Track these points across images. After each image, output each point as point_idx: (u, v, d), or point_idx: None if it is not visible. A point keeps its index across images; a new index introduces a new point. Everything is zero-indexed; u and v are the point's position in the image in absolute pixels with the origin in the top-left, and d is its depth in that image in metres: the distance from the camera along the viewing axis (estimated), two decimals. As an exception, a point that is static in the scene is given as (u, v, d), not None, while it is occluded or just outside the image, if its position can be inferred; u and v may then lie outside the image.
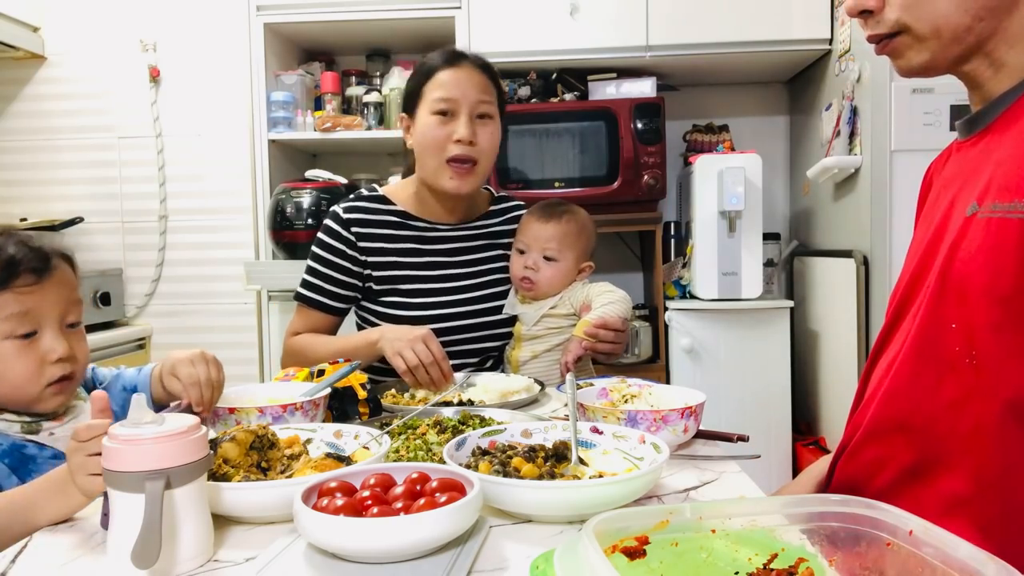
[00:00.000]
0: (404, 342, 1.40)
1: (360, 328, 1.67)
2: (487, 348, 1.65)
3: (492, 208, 1.73)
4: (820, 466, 1.12)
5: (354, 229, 1.60)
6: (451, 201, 1.63)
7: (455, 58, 1.56)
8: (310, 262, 1.63)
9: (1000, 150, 0.86)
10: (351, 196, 1.68)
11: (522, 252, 1.62)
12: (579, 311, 1.59)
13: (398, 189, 1.69)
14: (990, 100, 0.91)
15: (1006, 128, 0.87)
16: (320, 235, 1.63)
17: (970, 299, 0.84)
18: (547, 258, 1.60)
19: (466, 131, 1.52)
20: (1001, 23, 0.87)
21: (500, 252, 1.69)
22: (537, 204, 1.68)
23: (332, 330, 1.66)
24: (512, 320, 1.65)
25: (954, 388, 0.86)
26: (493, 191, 1.80)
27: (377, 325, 1.60)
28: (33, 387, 1.05)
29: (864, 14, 0.92)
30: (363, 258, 1.60)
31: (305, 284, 1.63)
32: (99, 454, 0.77)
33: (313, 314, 1.63)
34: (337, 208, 1.63)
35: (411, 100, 1.60)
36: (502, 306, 1.65)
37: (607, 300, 1.55)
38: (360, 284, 1.62)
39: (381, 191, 1.68)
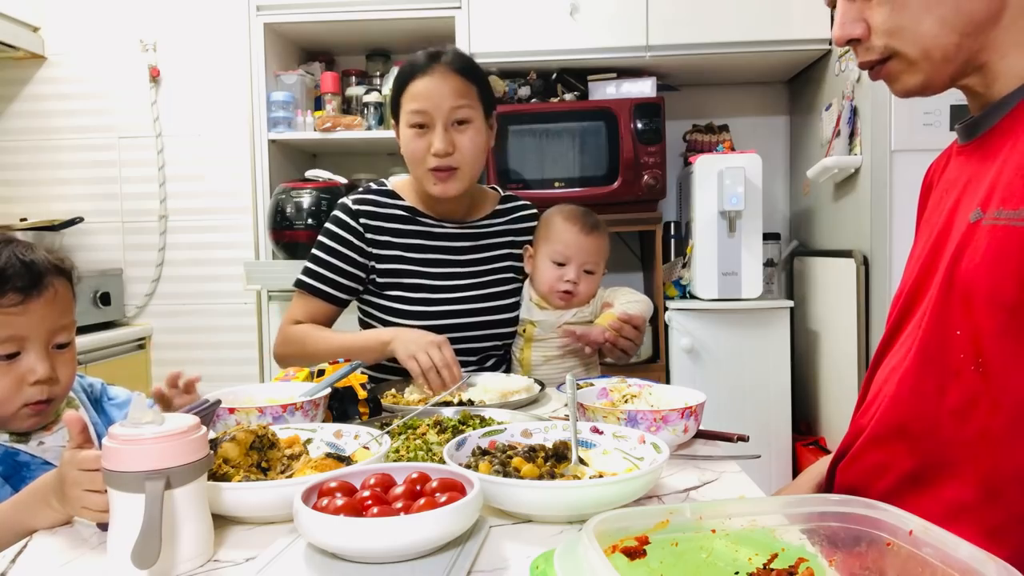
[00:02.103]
0: (418, 346, 1.40)
1: (362, 322, 1.68)
2: (488, 347, 1.65)
3: (499, 207, 1.73)
4: (819, 467, 1.12)
5: (363, 220, 1.60)
6: (447, 202, 1.63)
7: (428, 63, 1.52)
8: (315, 251, 1.62)
9: (1002, 156, 0.86)
10: (360, 188, 1.68)
11: (561, 264, 1.59)
12: (598, 313, 1.59)
13: (406, 185, 1.69)
14: (988, 105, 0.91)
15: (1007, 133, 0.87)
16: (328, 225, 1.62)
17: (975, 306, 0.83)
18: (587, 271, 1.59)
19: (441, 144, 1.51)
20: (988, 36, 0.87)
21: (506, 251, 1.68)
22: (567, 212, 1.63)
23: (331, 321, 1.65)
24: (514, 320, 1.65)
25: (959, 395, 0.86)
26: (500, 190, 1.79)
27: (380, 319, 1.61)
28: (7, 407, 1.02)
29: (852, 42, 0.93)
30: (369, 249, 1.60)
31: (308, 272, 1.62)
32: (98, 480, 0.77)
33: (314, 303, 1.61)
34: (346, 199, 1.64)
35: (394, 107, 1.60)
36: (505, 305, 1.64)
37: (631, 299, 1.57)
38: (364, 276, 1.61)
39: (390, 186, 1.68)
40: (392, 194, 1.66)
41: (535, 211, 1.75)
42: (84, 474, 0.79)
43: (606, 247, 1.63)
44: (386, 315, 1.60)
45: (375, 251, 1.60)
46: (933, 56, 0.88)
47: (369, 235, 1.60)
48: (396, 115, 1.60)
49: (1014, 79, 0.87)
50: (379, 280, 1.61)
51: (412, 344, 1.41)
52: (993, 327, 0.82)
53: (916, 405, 0.90)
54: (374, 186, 1.68)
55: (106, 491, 0.76)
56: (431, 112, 1.51)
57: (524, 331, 1.64)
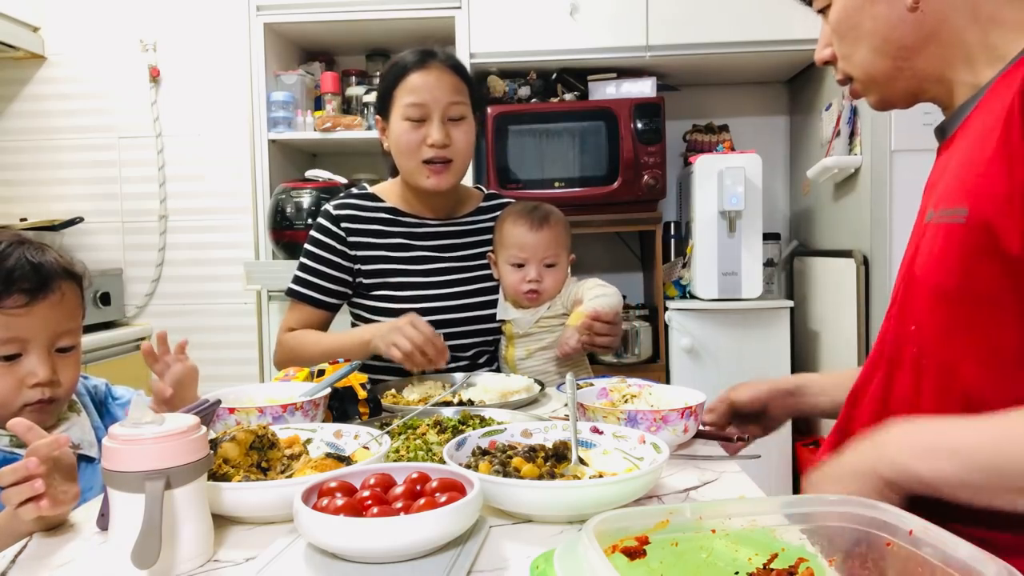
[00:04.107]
0: (394, 332, 1.43)
1: (354, 324, 1.69)
2: (478, 343, 1.65)
3: (483, 205, 1.74)
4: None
5: (344, 224, 1.62)
6: (434, 198, 1.64)
7: (425, 59, 1.56)
8: (302, 258, 1.65)
9: (954, 158, 0.90)
10: (341, 194, 1.71)
11: (520, 266, 1.60)
12: (570, 308, 1.59)
13: (387, 187, 1.71)
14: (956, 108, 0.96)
15: (961, 137, 0.91)
16: (312, 232, 1.65)
17: (925, 302, 0.88)
18: (548, 265, 1.59)
19: (439, 135, 1.53)
20: (932, 54, 0.91)
21: (490, 249, 1.69)
22: (515, 212, 1.63)
23: (325, 325, 1.67)
24: None
25: (908, 388, 0.89)
26: (484, 189, 1.81)
27: (369, 319, 1.62)
28: (6, 408, 1.02)
29: (829, 63, 1.02)
30: (353, 252, 1.62)
31: (297, 280, 1.65)
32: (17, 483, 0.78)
33: (305, 309, 1.64)
34: (328, 206, 1.66)
35: (384, 103, 1.61)
36: (491, 301, 1.65)
37: (598, 294, 1.56)
38: (351, 279, 1.63)
39: (371, 189, 1.70)
40: (373, 197, 1.68)
41: None
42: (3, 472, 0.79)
43: (563, 236, 1.62)
44: (375, 315, 1.61)
45: (358, 253, 1.62)
46: (877, 79, 0.96)
47: (351, 238, 1.61)
48: (385, 111, 1.60)
49: (967, 89, 0.92)
50: (365, 282, 1.62)
51: (388, 334, 1.43)
52: (938, 322, 0.86)
53: (867, 399, 0.94)
54: (355, 191, 1.70)
55: (31, 479, 0.78)
56: (429, 105, 1.54)
57: (504, 330, 1.65)
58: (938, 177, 0.95)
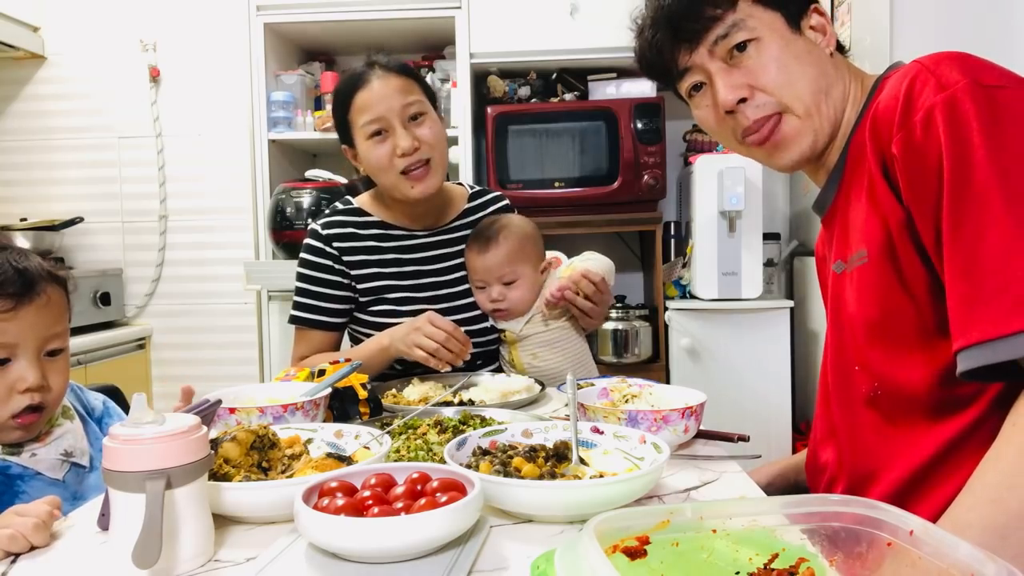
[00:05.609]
0: (414, 332, 1.43)
1: (353, 339, 1.67)
2: (478, 354, 1.64)
3: (469, 206, 1.71)
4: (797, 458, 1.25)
5: (335, 244, 1.60)
6: (419, 207, 1.62)
7: (364, 74, 1.53)
8: (299, 283, 1.61)
9: (841, 219, 1.02)
10: (327, 211, 1.67)
11: (482, 287, 1.60)
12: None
13: (372, 200, 1.68)
14: (827, 178, 1.05)
15: (841, 203, 1.02)
16: (303, 255, 1.62)
17: (863, 340, 0.97)
18: (507, 283, 1.58)
19: (406, 142, 1.49)
20: (835, 99, 1.02)
21: None
22: (471, 235, 1.63)
23: (335, 347, 1.65)
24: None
25: (872, 416, 0.98)
26: (468, 186, 1.78)
27: (370, 335, 1.60)
28: None
29: (740, 103, 1.01)
30: (349, 271, 1.60)
31: (299, 306, 1.61)
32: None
33: (314, 334, 1.61)
34: (315, 225, 1.63)
35: (344, 131, 1.58)
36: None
37: (589, 257, 1.60)
38: (352, 295, 1.61)
39: (356, 203, 1.67)
40: (360, 211, 1.65)
41: (506, 203, 1.75)
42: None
43: (517, 251, 1.57)
44: (375, 331, 1.59)
45: (354, 272, 1.60)
46: (820, 109, 0.99)
47: (345, 257, 1.59)
48: (348, 138, 1.58)
49: (835, 153, 1.02)
50: (362, 299, 1.61)
51: (408, 336, 1.44)
52: (879, 352, 0.94)
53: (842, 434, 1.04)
54: (340, 206, 1.67)
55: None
56: (385, 115, 1.50)
57: (505, 336, 1.64)
58: (832, 237, 1.05)
